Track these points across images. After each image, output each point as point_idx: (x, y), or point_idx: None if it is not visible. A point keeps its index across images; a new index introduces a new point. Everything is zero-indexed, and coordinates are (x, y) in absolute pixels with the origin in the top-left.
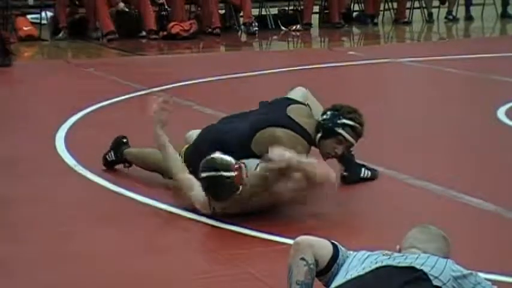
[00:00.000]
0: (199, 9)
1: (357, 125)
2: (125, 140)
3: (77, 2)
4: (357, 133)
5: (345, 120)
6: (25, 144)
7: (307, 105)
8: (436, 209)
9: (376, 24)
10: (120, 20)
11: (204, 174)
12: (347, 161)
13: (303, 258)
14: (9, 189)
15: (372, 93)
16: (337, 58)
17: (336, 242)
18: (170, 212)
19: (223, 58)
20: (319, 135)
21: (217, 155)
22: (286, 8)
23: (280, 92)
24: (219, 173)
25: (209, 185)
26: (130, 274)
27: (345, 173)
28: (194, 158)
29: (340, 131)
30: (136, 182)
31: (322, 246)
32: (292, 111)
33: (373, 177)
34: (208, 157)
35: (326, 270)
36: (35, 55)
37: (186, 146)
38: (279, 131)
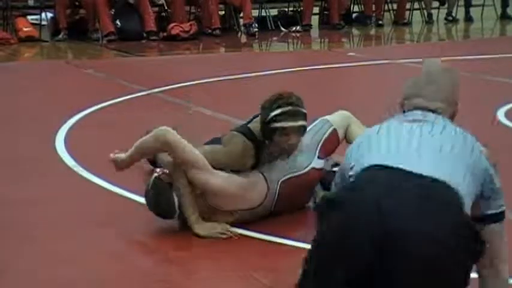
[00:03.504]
0: (199, 10)
1: (287, 108)
2: None
3: (77, 3)
4: (291, 115)
5: (272, 113)
6: (25, 144)
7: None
8: None
9: (381, 25)
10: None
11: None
12: None
13: None
14: (9, 189)
15: (372, 94)
16: (337, 59)
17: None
18: None
19: (223, 59)
20: (266, 141)
21: None
22: (286, 9)
23: None
24: (148, 187)
25: (151, 200)
26: (131, 274)
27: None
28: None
29: (276, 125)
30: (137, 183)
31: None
32: (254, 121)
33: None
34: None
35: None
36: (35, 56)
37: None
38: (233, 134)
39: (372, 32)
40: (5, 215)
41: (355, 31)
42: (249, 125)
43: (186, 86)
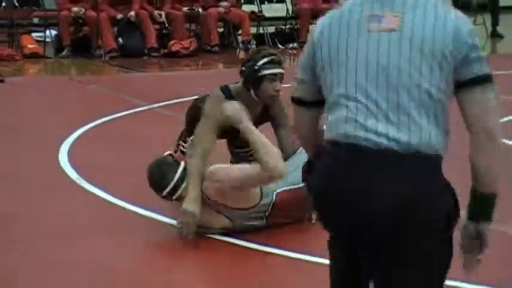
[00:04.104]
0: (198, 27)
1: (272, 57)
2: None
3: (80, 21)
4: (276, 62)
5: (260, 62)
6: (29, 158)
7: None
8: None
9: None
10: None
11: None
12: None
13: None
14: (13, 202)
15: None
16: None
17: None
18: (171, 225)
19: (221, 75)
20: (251, 90)
21: None
22: (283, 27)
23: None
24: (157, 161)
25: (152, 171)
26: (130, 284)
27: None
28: None
29: (264, 72)
30: (139, 195)
31: None
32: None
33: None
34: None
35: None
36: (39, 72)
37: None
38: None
39: None
40: (9, 228)
41: None
42: (230, 85)
43: (185, 101)
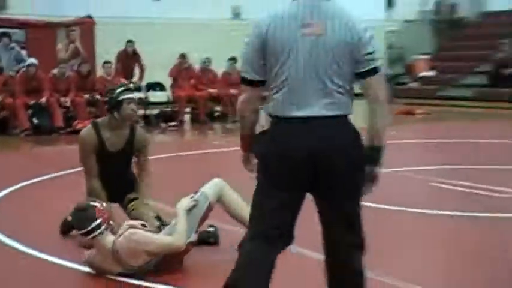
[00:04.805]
0: (98, 110)
1: (127, 86)
2: None
3: None
4: (131, 89)
5: (118, 90)
6: None
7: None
8: None
9: (236, 121)
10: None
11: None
12: None
13: None
14: None
15: (229, 172)
16: (204, 147)
17: None
18: (83, 272)
19: None
20: (114, 112)
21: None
22: (166, 109)
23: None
24: (82, 205)
25: (74, 213)
26: None
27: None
28: None
29: (123, 96)
30: (64, 249)
31: None
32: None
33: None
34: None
35: None
36: None
37: None
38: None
39: (230, 126)
40: None
41: (217, 126)
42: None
43: None
